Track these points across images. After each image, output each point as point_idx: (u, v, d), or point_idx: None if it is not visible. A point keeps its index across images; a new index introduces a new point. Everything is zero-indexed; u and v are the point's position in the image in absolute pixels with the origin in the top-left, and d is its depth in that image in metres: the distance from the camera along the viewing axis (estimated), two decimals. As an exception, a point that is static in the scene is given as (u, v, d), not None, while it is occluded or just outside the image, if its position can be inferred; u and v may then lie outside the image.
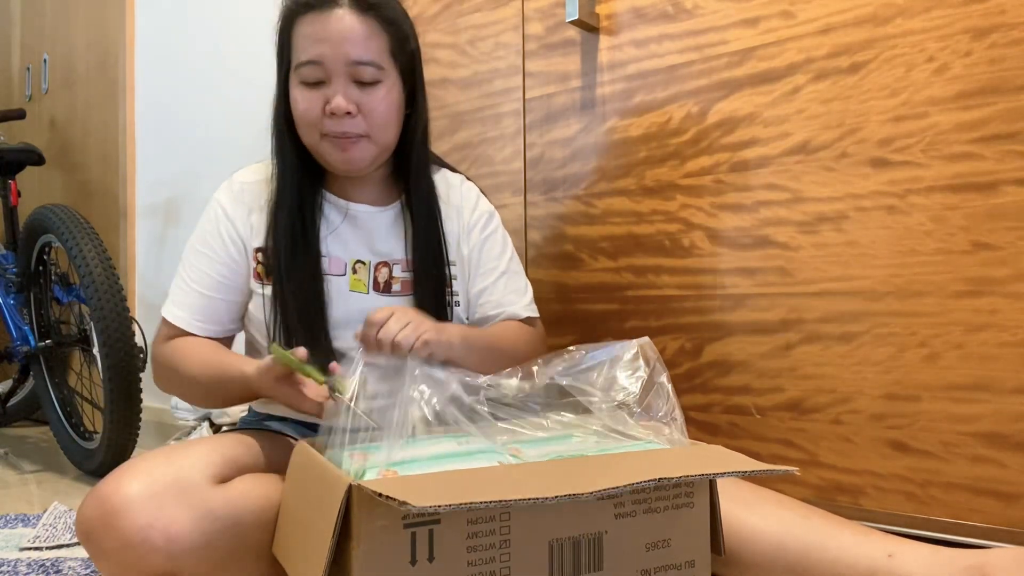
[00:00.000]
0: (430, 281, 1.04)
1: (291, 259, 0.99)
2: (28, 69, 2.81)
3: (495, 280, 1.11)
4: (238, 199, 1.04)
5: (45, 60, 2.70)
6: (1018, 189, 0.97)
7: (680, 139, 1.26)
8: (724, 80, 1.21)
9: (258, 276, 1.02)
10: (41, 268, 2.06)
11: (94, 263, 1.73)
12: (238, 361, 0.95)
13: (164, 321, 1.04)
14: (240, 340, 1.10)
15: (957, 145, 1.01)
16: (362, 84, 0.96)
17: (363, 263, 1.04)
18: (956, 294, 1.01)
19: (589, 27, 1.36)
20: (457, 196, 1.11)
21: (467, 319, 1.10)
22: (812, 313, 1.12)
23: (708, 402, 1.23)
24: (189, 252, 1.05)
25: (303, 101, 0.97)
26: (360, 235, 1.05)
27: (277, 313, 0.99)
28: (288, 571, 0.74)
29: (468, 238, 1.10)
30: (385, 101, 0.97)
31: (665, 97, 1.28)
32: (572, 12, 1.33)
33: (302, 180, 1.02)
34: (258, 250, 1.02)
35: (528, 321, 1.13)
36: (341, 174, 1.03)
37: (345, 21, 0.94)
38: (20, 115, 2.23)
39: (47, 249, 2.02)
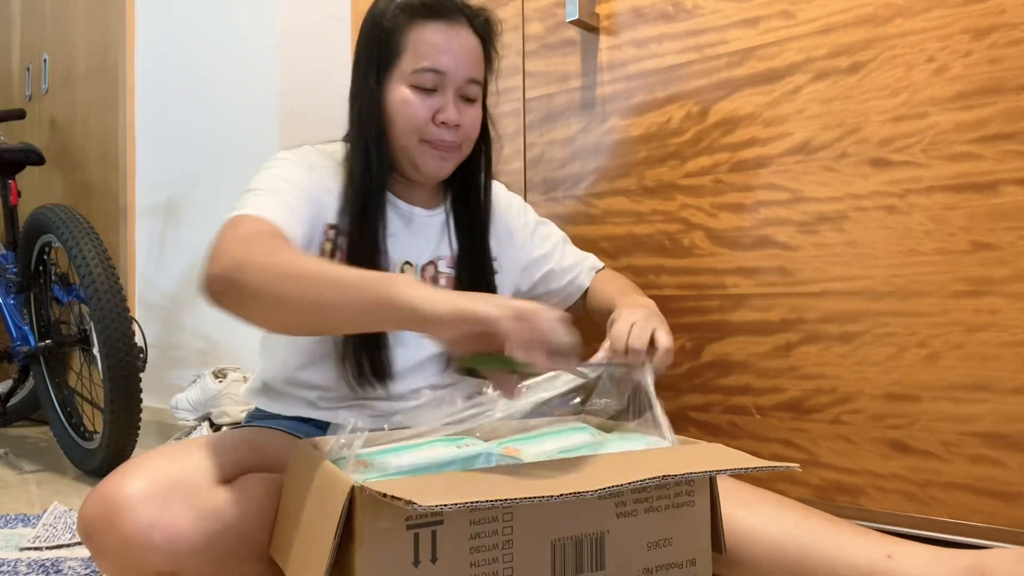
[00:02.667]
0: (474, 276, 1.07)
1: (361, 256, 0.98)
2: (28, 69, 2.81)
3: (561, 252, 1.19)
4: (315, 167, 1.01)
5: (45, 60, 2.70)
6: (1018, 189, 0.97)
7: (680, 139, 1.26)
8: (724, 80, 1.21)
9: (322, 253, 1.00)
10: (41, 268, 2.06)
11: (94, 263, 1.73)
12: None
13: (232, 220, 0.86)
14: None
15: (957, 145, 1.01)
16: (466, 100, 1.01)
17: (410, 264, 1.05)
18: (956, 294, 1.01)
19: (589, 27, 1.37)
20: (497, 199, 1.14)
21: (524, 289, 1.17)
22: (812, 313, 1.13)
23: (708, 402, 1.23)
24: (259, 179, 0.95)
25: (413, 105, 0.97)
26: (412, 237, 1.06)
27: None
28: (286, 572, 0.73)
29: (509, 235, 1.14)
30: (478, 118, 1.03)
31: (665, 97, 1.28)
32: (572, 12, 1.33)
33: (381, 184, 1.00)
34: (331, 227, 1.00)
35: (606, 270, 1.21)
36: (422, 179, 1.03)
37: (470, 40, 0.99)
38: (20, 115, 2.23)
39: (47, 249, 2.02)
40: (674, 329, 1.27)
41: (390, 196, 1.04)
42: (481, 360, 0.69)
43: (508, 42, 1.49)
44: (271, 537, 0.80)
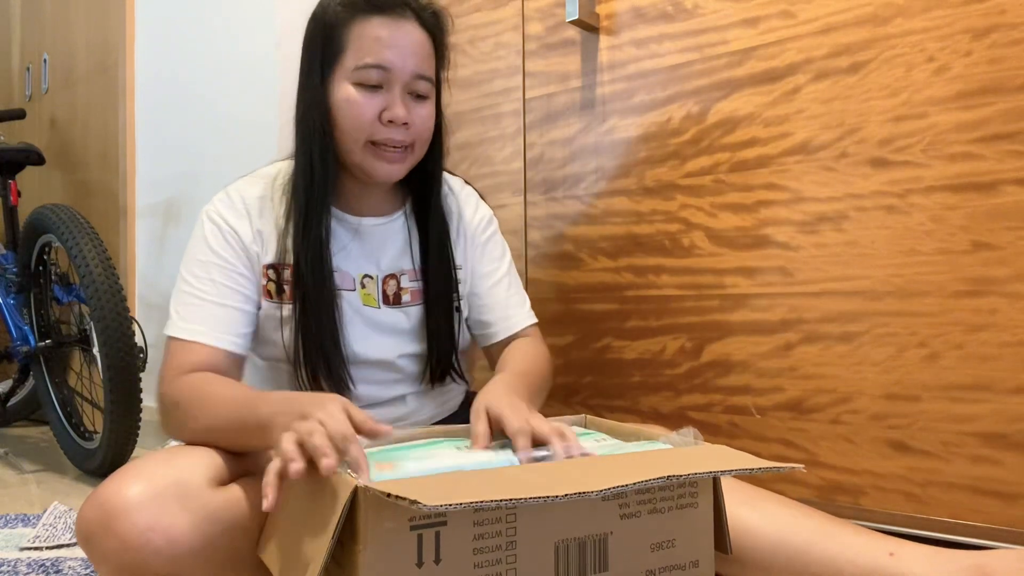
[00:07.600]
0: (439, 289, 1.05)
1: (315, 276, 0.97)
2: (28, 69, 2.81)
3: (495, 284, 1.11)
4: (240, 213, 1.00)
5: (45, 60, 2.70)
6: (1018, 189, 0.97)
7: (680, 139, 1.26)
8: (724, 80, 1.21)
9: (268, 294, 1.00)
10: (41, 268, 2.06)
11: (94, 263, 1.73)
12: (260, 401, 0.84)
13: (173, 344, 0.94)
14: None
15: (957, 145, 1.01)
16: (415, 97, 0.97)
17: (371, 277, 1.03)
18: (956, 294, 1.01)
19: (589, 27, 1.37)
20: (455, 201, 1.11)
21: (465, 321, 1.11)
22: (812, 313, 1.13)
23: (708, 402, 1.23)
24: (192, 266, 0.99)
25: (357, 105, 0.94)
26: (367, 249, 1.04)
27: (299, 332, 0.98)
28: (275, 571, 0.73)
29: (469, 242, 1.10)
30: (431, 117, 0.99)
31: (665, 97, 1.28)
32: (572, 12, 1.33)
33: (325, 192, 0.98)
34: (268, 267, 1.00)
35: (531, 329, 1.12)
36: (371, 182, 1.01)
37: (417, 34, 0.96)
38: (20, 115, 2.23)
39: (47, 249, 2.02)
40: (674, 329, 1.27)
41: (334, 210, 1.01)
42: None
43: (508, 42, 1.49)
44: (259, 537, 0.80)
